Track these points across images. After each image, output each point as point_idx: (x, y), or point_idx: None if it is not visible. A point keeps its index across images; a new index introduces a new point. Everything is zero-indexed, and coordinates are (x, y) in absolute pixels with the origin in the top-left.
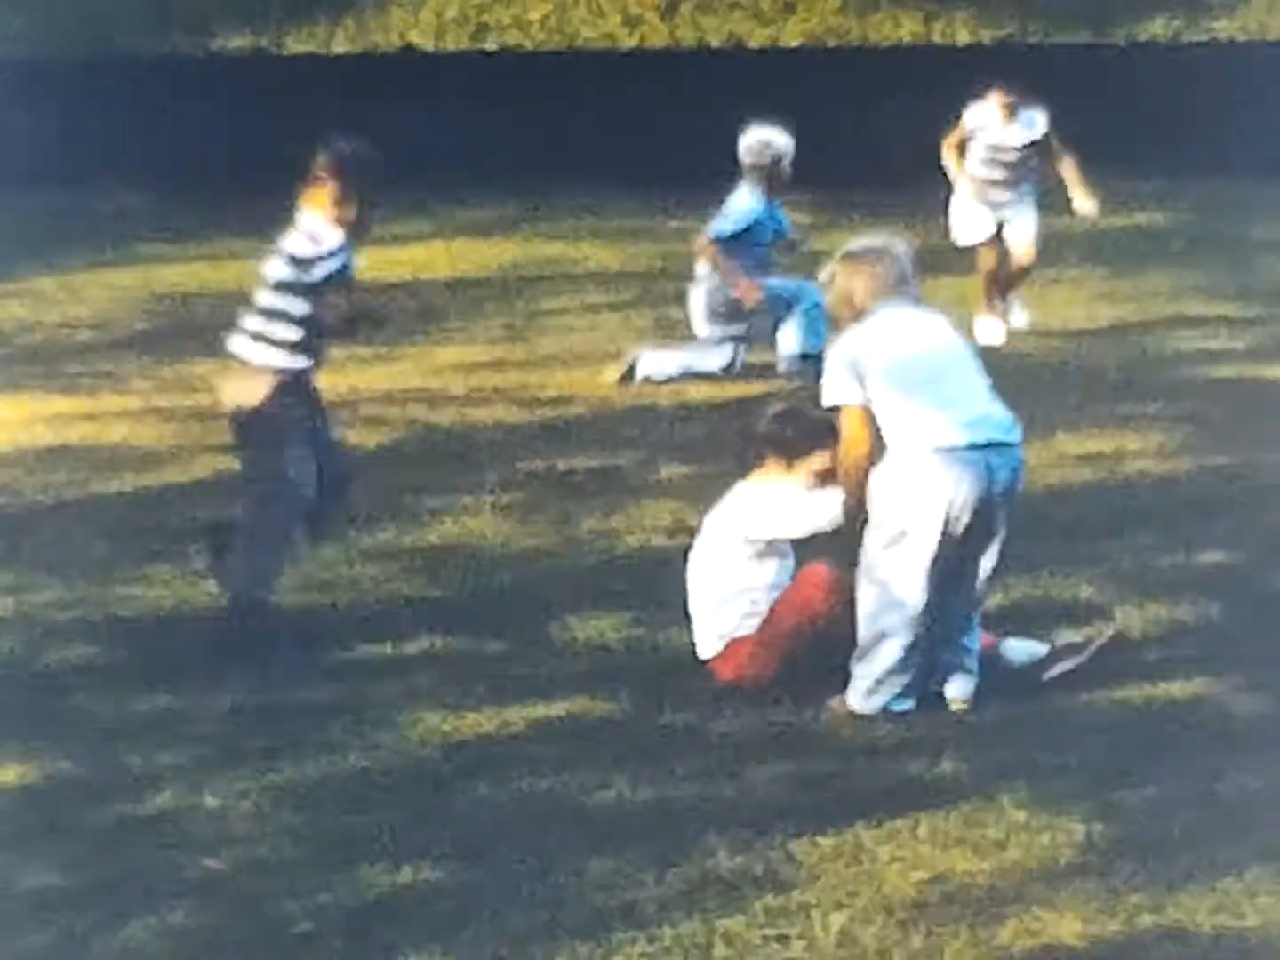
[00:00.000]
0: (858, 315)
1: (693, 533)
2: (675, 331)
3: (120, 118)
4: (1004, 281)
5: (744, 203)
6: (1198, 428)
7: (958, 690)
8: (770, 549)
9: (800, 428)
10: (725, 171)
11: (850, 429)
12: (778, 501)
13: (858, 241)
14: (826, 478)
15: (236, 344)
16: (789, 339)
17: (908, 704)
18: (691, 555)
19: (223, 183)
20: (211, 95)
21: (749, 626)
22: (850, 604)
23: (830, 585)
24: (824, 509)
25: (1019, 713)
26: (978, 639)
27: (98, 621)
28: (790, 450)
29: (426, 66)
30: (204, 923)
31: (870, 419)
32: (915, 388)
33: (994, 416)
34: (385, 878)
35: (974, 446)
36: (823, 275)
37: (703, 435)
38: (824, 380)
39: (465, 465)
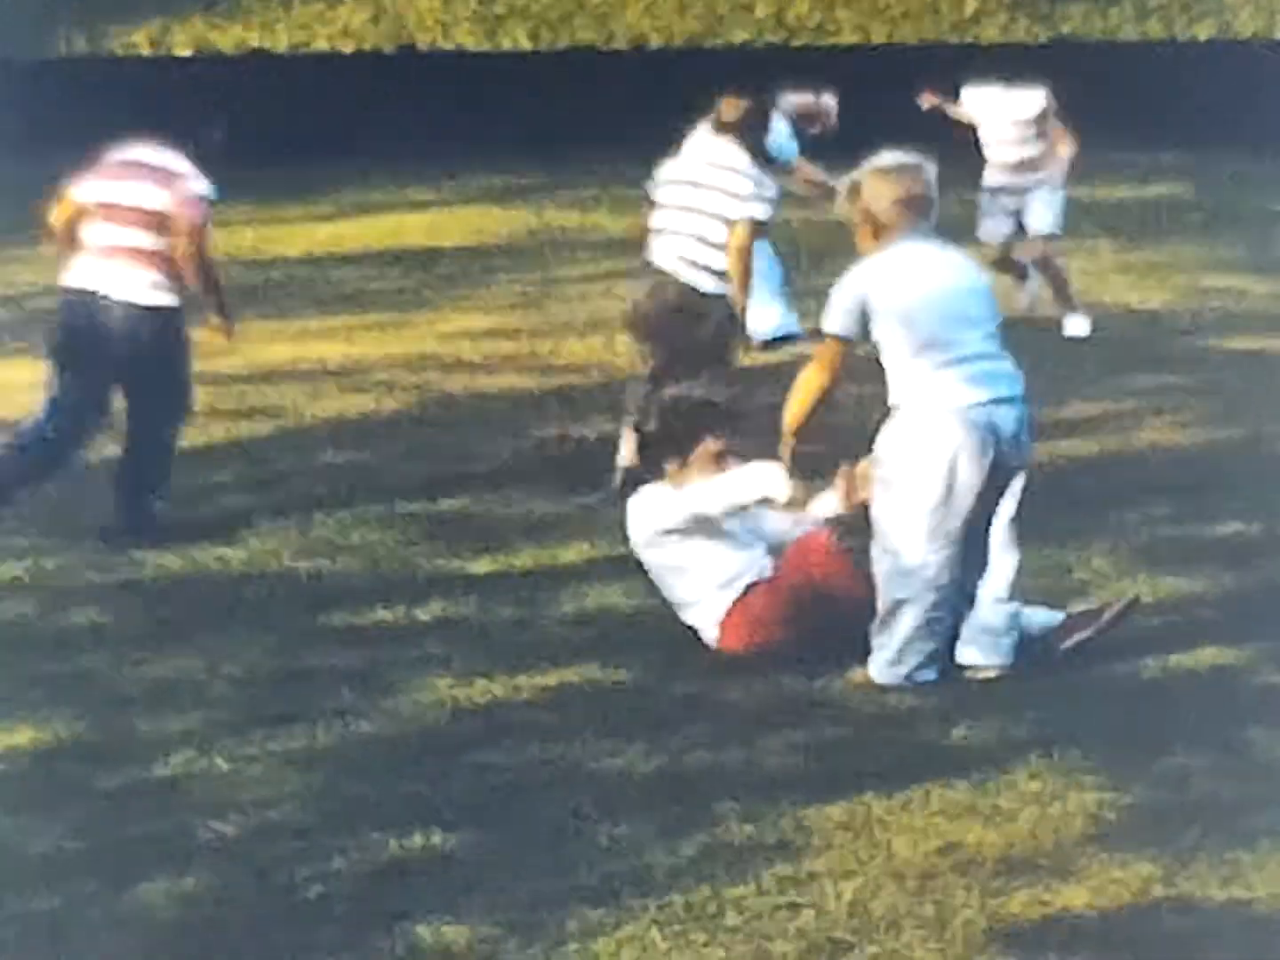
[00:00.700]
0: (880, 235)
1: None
2: None
3: (135, 81)
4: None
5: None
6: (1214, 399)
7: (981, 656)
8: (724, 533)
9: (687, 416)
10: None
11: (822, 359)
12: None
13: (887, 155)
14: (722, 461)
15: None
16: (768, 318)
17: (931, 674)
18: (653, 572)
19: (233, 148)
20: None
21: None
22: (850, 568)
23: (827, 549)
24: (758, 476)
25: (1031, 683)
26: (1005, 605)
27: (108, 585)
28: (681, 444)
29: (440, 37)
30: (214, 887)
31: (845, 358)
32: (924, 339)
33: (998, 370)
34: (395, 843)
35: (978, 404)
36: (842, 187)
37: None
38: (829, 304)
39: (477, 432)
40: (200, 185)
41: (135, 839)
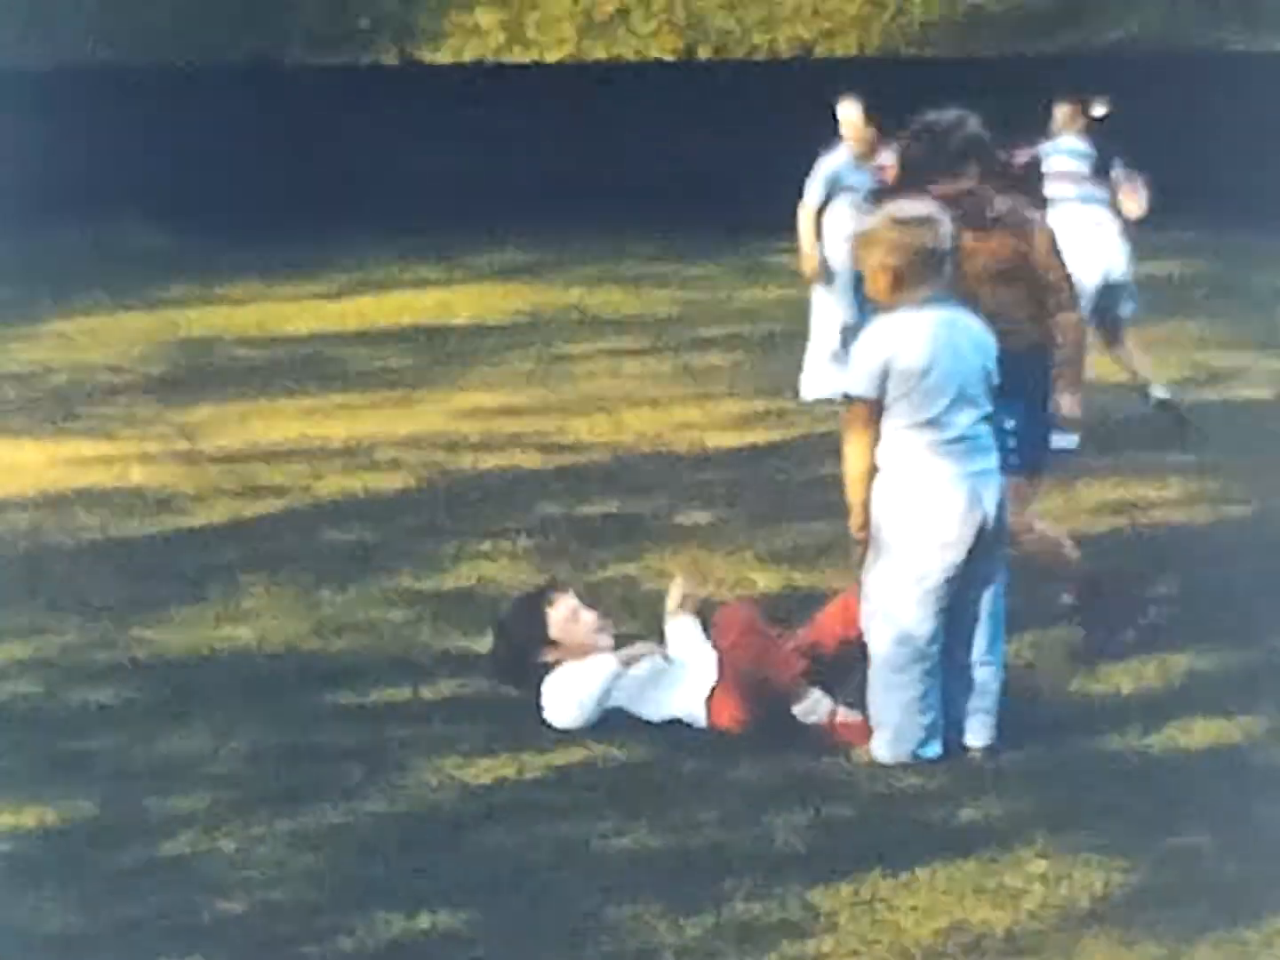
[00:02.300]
0: (896, 291)
1: (713, 580)
2: (696, 378)
3: (142, 158)
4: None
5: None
6: (1218, 477)
7: (976, 736)
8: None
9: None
10: (744, 220)
11: (858, 428)
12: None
13: (905, 205)
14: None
15: None
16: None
17: (935, 749)
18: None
19: (242, 224)
20: (239, 129)
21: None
22: (768, 634)
23: (740, 626)
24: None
25: (1037, 762)
26: (997, 679)
27: (116, 664)
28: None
29: (452, 107)
30: None
31: (878, 420)
32: (928, 412)
33: (986, 444)
34: (402, 923)
35: (970, 472)
36: (856, 233)
37: (721, 481)
38: (852, 367)
39: (484, 510)
40: None
41: (143, 918)
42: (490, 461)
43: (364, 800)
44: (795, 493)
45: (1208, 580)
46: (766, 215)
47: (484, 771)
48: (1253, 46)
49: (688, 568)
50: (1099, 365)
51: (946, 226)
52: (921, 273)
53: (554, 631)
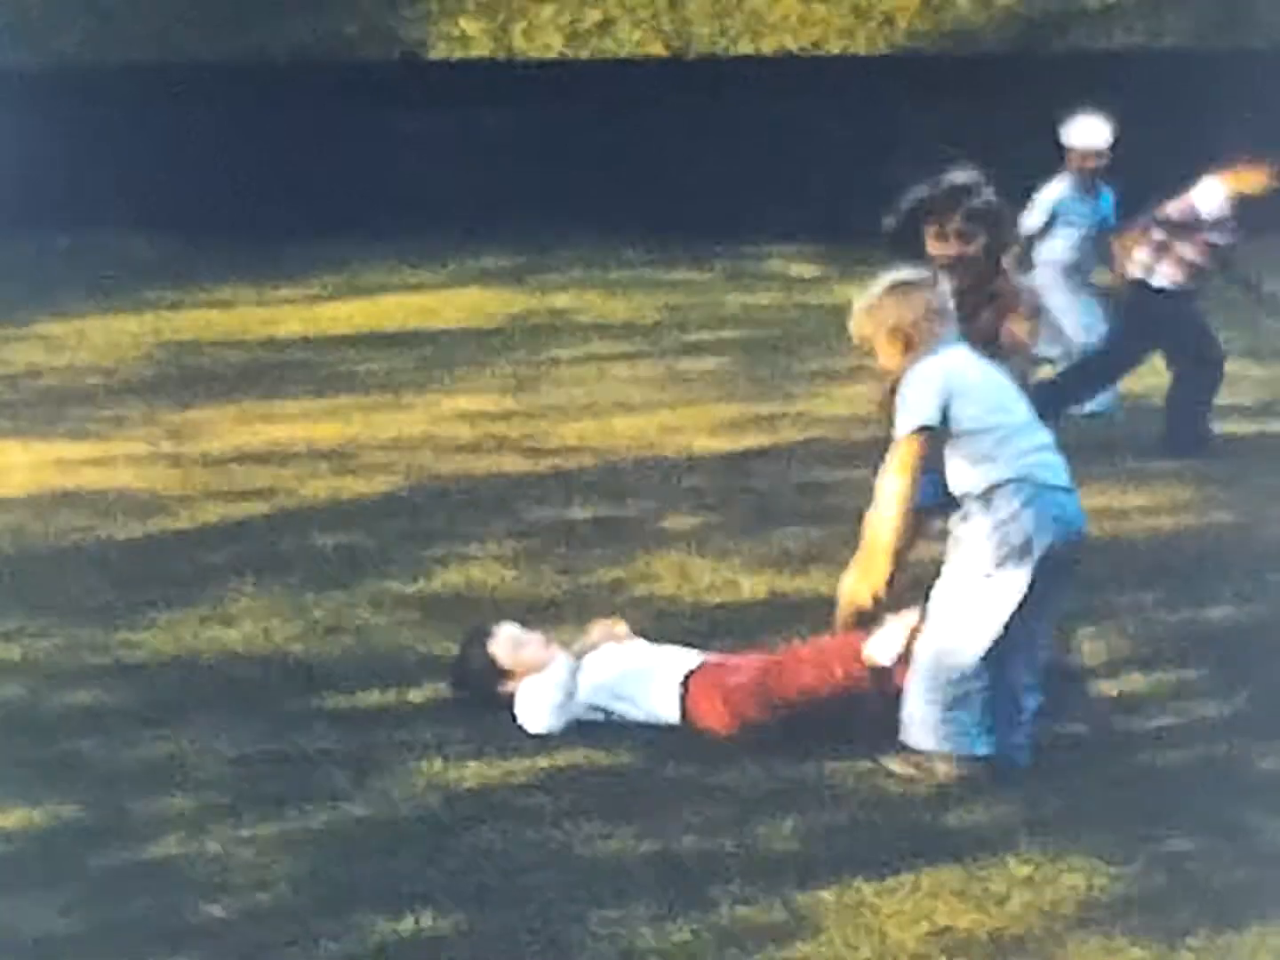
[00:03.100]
0: (911, 349)
1: (697, 583)
2: (683, 383)
3: (132, 158)
4: None
5: (1049, 193)
6: (1205, 484)
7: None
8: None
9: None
10: (733, 224)
11: (905, 460)
12: None
13: (899, 273)
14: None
15: None
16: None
17: (985, 747)
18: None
19: (230, 227)
20: (226, 131)
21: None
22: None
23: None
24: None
25: (1022, 769)
26: (1036, 702)
27: (102, 667)
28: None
29: (438, 112)
30: None
31: (926, 456)
32: (1002, 427)
33: (1058, 460)
34: (387, 926)
35: (1051, 487)
36: (858, 309)
37: (709, 486)
38: (906, 402)
39: (470, 514)
40: None
41: (127, 921)
42: (477, 465)
43: (349, 803)
44: (782, 498)
45: (1196, 588)
46: (754, 220)
47: (470, 775)
48: (1241, 44)
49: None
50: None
51: (943, 284)
52: (929, 330)
53: (505, 662)
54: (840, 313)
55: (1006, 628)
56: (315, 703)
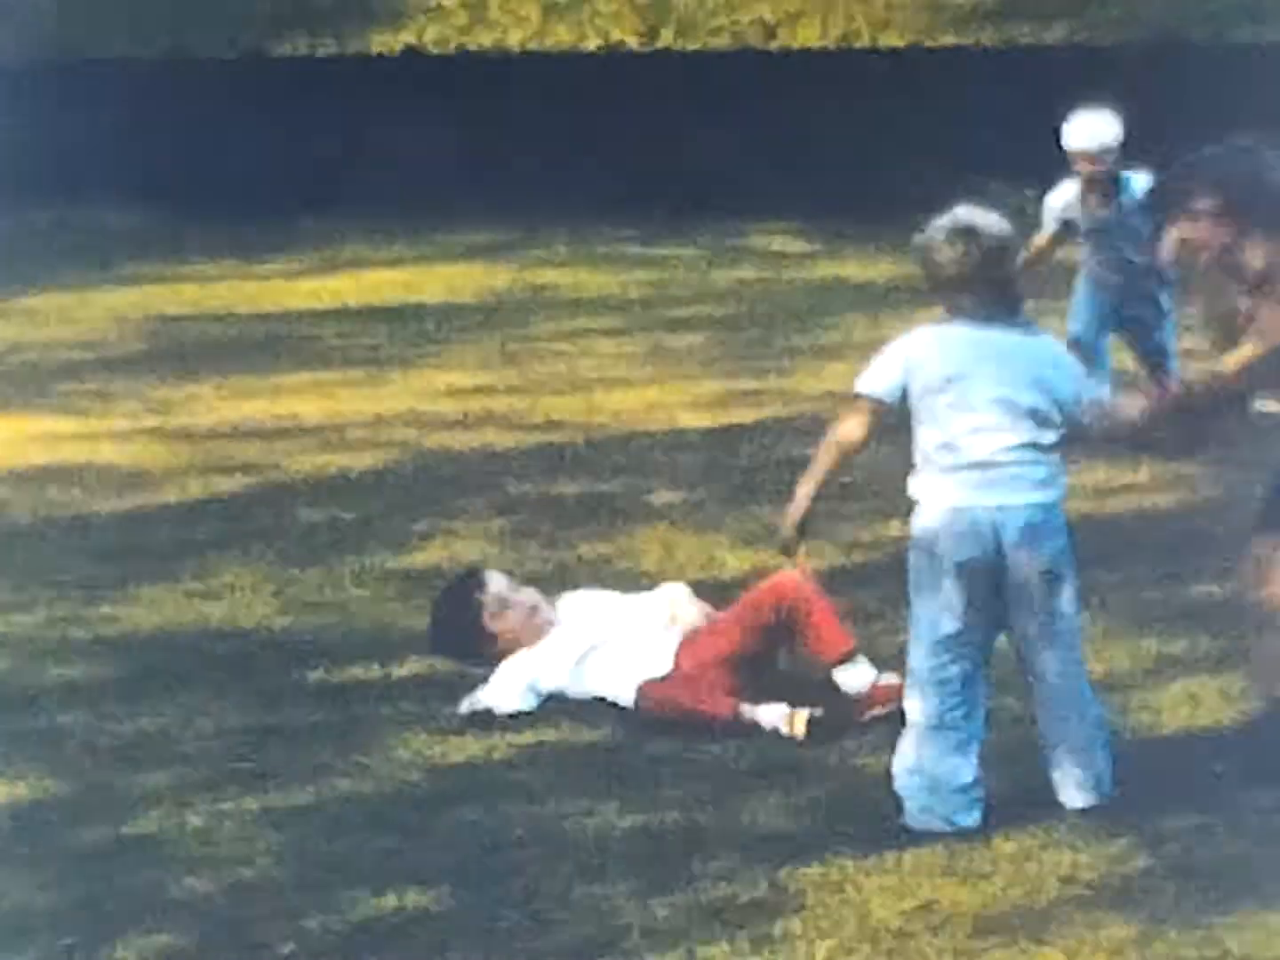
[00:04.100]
0: (949, 301)
1: (681, 559)
2: (668, 359)
3: (115, 132)
4: None
5: (1057, 196)
6: (1190, 460)
7: (1069, 796)
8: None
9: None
10: (717, 199)
11: (853, 417)
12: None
13: (963, 212)
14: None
15: None
16: None
17: (972, 817)
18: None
19: (215, 202)
20: (208, 107)
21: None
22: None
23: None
24: None
25: (1005, 744)
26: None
27: (84, 641)
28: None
29: (423, 86)
30: (188, 944)
31: (876, 424)
32: (943, 436)
33: (1012, 470)
34: (370, 902)
35: (986, 507)
36: (920, 241)
37: (695, 462)
38: (872, 366)
39: (455, 489)
40: None
41: (110, 895)
42: (462, 441)
43: (333, 779)
44: (768, 474)
45: (1180, 565)
46: (739, 197)
47: (453, 750)
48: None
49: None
50: None
51: (1015, 243)
52: (976, 286)
53: (489, 625)
54: (824, 288)
55: (966, 668)
56: (299, 678)
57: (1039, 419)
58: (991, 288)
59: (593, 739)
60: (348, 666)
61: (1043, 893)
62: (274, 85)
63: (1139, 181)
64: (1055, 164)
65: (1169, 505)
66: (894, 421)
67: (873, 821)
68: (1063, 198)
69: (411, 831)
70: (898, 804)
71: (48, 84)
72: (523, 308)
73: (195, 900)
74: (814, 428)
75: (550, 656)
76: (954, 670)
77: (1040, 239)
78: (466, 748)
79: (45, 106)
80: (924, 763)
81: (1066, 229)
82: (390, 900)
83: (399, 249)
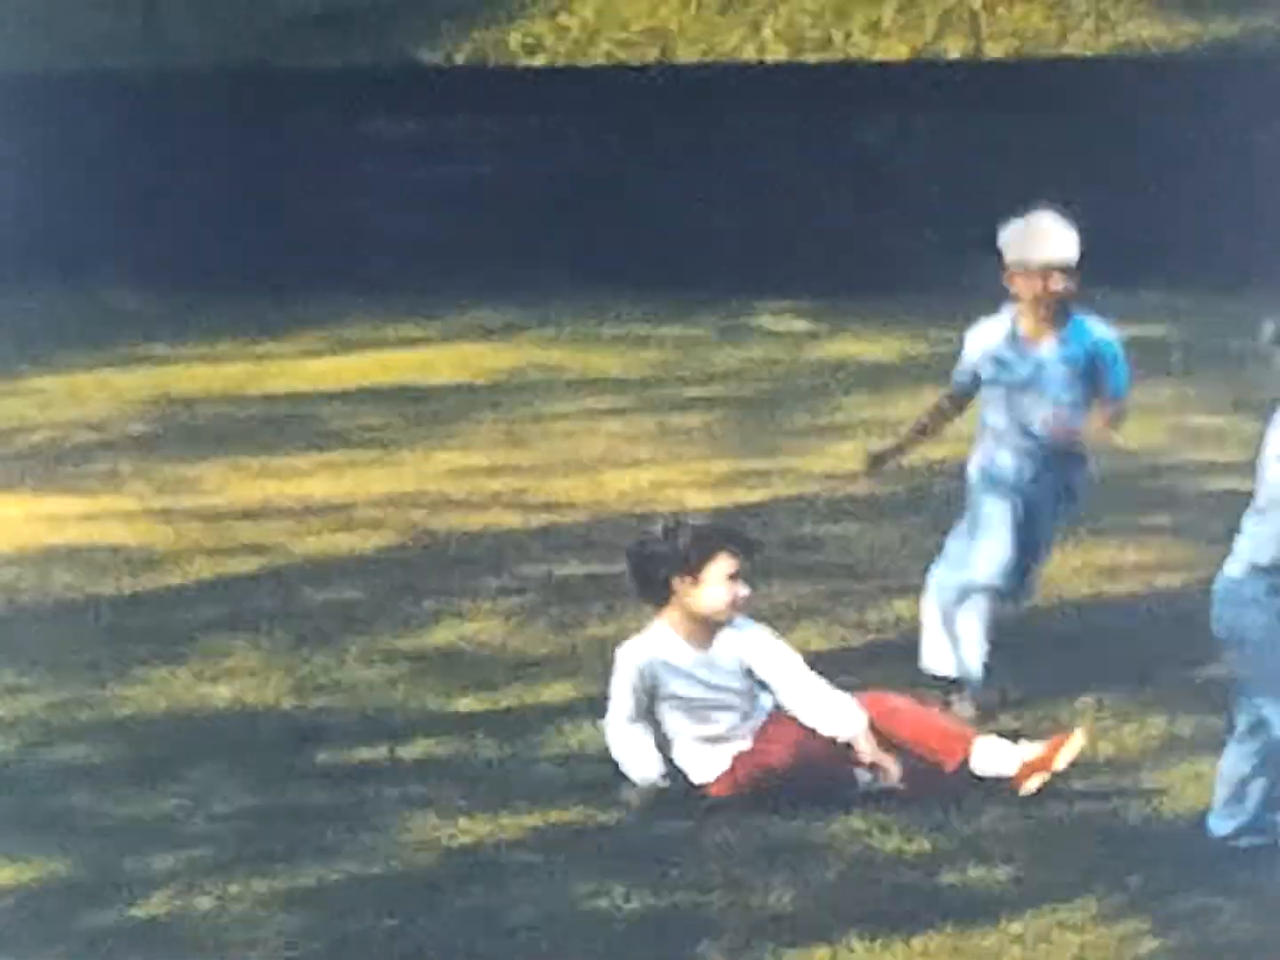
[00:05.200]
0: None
1: None
2: (674, 439)
3: (122, 217)
4: None
5: (980, 334)
6: (1194, 540)
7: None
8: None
9: (691, 536)
10: (722, 280)
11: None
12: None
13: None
14: (736, 582)
15: None
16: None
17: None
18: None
19: (222, 283)
20: (210, 195)
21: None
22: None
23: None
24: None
25: (1013, 827)
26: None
27: (93, 723)
28: (691, 564)
29: (426, 169)
30: None
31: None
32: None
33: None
34: None
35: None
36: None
37: None
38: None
39: (463, 570)
40: None
41: None
42: (469, 521)
43: (342, 860)
44: (772, 553)
45: (1184, 646)
46: (745, 277)
47: (462, 832)
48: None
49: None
50: None
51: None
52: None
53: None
54: (830, 367)
55: None
56: (307, 759)
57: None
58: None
59: (600, 820)
60: (355, 748)
61: None
62: (281, 166)
63: (1097, 329)
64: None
65: (1176, 585)
66: (894, 503)
67: (881, 903)
68: (991, 336)
69: (419, 913)
70: None
71: (57, 161)
72: (530, 388)
73: None
74: (819, 507)
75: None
76: None
77: (942, 398)
78: (474, 829)
79: (50, 190)
80: None
81: (974, 383)
82: None
83: (406, 330)
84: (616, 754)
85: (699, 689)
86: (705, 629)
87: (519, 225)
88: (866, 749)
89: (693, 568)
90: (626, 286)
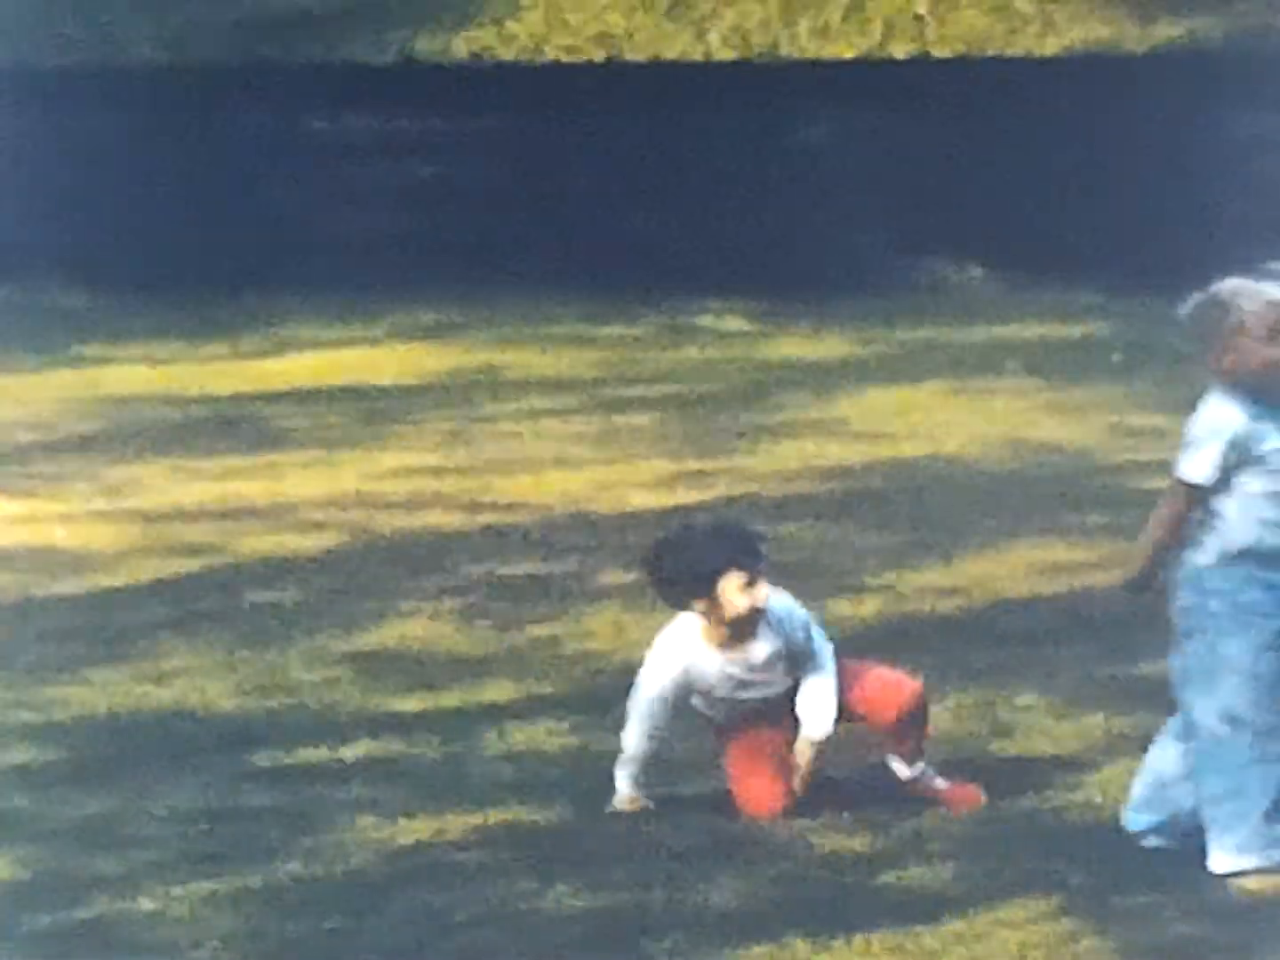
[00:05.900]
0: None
1: (632, 640)
2: (618, 439)
3: (62, 217)
4: None
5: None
6: (1135, 539)
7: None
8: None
9: (689, 563)
10: (667, 280)
11: (1175, 505)
12: None
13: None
14: (753, 589)
15: None
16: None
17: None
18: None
19: (163, 283)
20: (154, 193)
21: None
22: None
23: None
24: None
25: (953, 826)
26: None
27: (33, 724)
28: (701, 586)
29: (369, 169)
30: None
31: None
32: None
33: None
34: None
35: None
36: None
37: (645, 542)
38: (1187, 448)
39: (406, 570)
40: None
41: None
42: (412, 521)
43: (284, 861)
44: None
45: (1126, 642)
46: (689, 277)
47: (404, 832)
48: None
49: None
50: (1031, 427)
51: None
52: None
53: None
54: (773, 367)
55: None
56: (248, 760)
57: None
58: None
59: (543, 819)
60: (297, 749)
61: None
62: (226, 168)
63: None
64: (1006, 240)
65: (1115, 584)
66: (837, 503)
67: (822, 902)
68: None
69: (362, 914)
70: None
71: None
72: (472, 388)
73: None
74: (763, 507)
75: None
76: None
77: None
78: (416, 829)
79: None
80: None
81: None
82: None
83: (348, 331)
84: (626, 758)
85: (731, 686)
86: (736, 630)
87: (462, 225)
88: (803, 760)
89: (705, 588)
90: (570, 286)
